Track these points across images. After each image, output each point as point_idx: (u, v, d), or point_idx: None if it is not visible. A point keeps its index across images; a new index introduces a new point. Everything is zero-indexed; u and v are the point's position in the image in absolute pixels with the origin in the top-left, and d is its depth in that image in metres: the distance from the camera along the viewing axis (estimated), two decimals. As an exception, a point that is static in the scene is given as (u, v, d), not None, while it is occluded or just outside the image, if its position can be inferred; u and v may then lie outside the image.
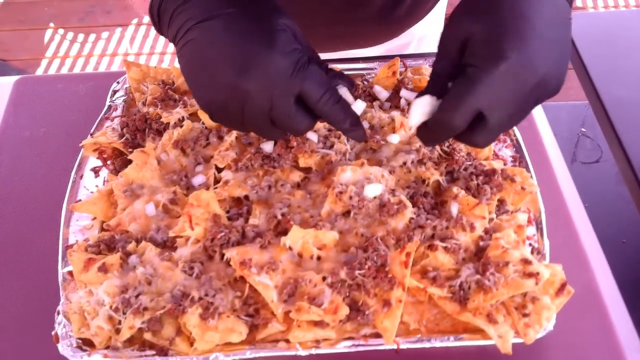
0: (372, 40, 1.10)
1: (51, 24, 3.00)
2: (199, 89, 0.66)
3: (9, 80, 1.09)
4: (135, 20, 3.04)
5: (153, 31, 3.01)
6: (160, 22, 0.68)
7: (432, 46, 1.23)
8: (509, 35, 0.61)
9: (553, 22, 0.63)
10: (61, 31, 2.98)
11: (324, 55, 1.04)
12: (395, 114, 0.90)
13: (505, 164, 0.86)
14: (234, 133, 0.88)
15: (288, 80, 0.62)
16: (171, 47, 2.93)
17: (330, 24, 0.99)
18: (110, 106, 0.96)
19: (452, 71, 0.67)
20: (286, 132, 0.68)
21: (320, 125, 0.87)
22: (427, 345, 0.70)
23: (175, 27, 0.64)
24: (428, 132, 0.69)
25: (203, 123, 0.90)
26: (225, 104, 0.64)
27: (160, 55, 2.90)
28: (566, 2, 0.66)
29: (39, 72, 2.84)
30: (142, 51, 2.92)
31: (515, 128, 0.91)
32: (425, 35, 1.18)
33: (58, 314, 0.73)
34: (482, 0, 0.65)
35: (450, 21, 0.67)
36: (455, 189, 0.81)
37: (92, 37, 2.97)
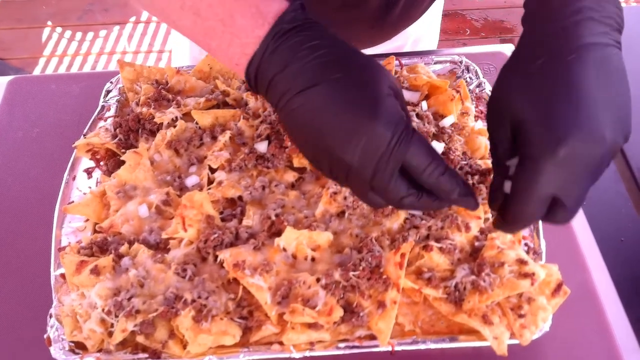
0: (366, 42, 1.09)
1: (49, 23, 3.00)
2: (306, 151, 0.65)
3: (3, 81, 1.09)
4: (133, 18, 3.03)
5: (151, 29, 3.00)
6: (257, 86, 0.65)
7: (427, 48, 1.22)
8: (562, 115, 0.57)
9: (607, 78, 0.59)
10: (59, 29, 2.97)
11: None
12: (391, 112, 0.89)
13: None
14: (228, 133, 0.87)
15: (391, 152, 0.59)
16: (169, 46, 2.92)
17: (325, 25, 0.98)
18: (103, 106, 0.96)
19: (510, 152, 0.63)
20: (389, 201, 0.64)
21: None
22: (422, 346, 0.70)
23: (277, 95, 0.62)
24: (507, 225, 0.65)
25: (196, 123, 0.90)
26: (330, 169, 0.63)
27: (157, 53, 2.90)
28: (616, 47, 0.61)
29: (37, 70, 2.83)
30: (139, 49, 2.92)
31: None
32: (420, 37, 1.17)
33: (50, 316, 0.72)
34: (530, 66, 0.61)
35: (499, 91, 0.64)
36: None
37: (90, 35, 2.97)
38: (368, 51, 1.13)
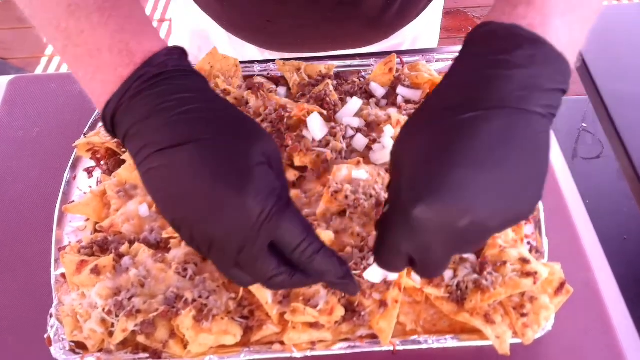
0: (362, 41, 1.09)
1: (50, 22, 2.99)
2: (165, 214, 0.57)
3: (3, 80, 1.08)
4: (134, 18, 3.03)
5: (152, 28, 3.00)
6: (115, 132, 0.58)
7: (427, 46, 1.21)
8: (433, 169, 0.51)
9: (507, 150, 0.51)
10: (60, 29, 2.96)
11: (315, 55, 1.04)
12: (392, 111, 0.89)
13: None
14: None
15: (260, 227, 0.53)
16: (170, 44, 2.91)
17: (320, 24, 0.97)
18: (104, 105, 0.95)
19: None
20: (256, 279, 0.58)
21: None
22: (424, 346, 0.70)
23: (135, 149, 0.56)
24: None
25: (197, 122, 0.89)
26: (191, 238, 0.56)
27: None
28: (542, 116, 0.53)
29: (39, 70, 2.83)
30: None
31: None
32: (418, 35, 1.16)
33: (51, 316, 0.72)
34: (432, 113, 0.55)
35: (404, 128, 0.57)
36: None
37: (91, 35, 2.96)
38: (365, 50, 1.12)
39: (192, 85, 0.57)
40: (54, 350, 0.70)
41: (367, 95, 0.94)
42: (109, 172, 0.87)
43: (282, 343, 0.70)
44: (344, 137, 0.86)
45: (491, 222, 0.51)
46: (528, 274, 0.69)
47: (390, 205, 0.56)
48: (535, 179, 0.53)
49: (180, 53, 0.59)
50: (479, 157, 0.50)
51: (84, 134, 0.90)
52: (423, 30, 1.17)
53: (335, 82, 0.95)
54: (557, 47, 0.54)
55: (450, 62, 0.99)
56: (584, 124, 1.76)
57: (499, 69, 0.53)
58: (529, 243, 0.76)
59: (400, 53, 0.99)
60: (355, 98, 0.90)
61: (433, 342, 0.70)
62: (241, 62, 0.98)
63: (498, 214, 0.51)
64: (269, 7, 0.95)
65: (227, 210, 0.53)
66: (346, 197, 0.78)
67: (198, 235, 0.55)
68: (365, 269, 0.71)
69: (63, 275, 0.75)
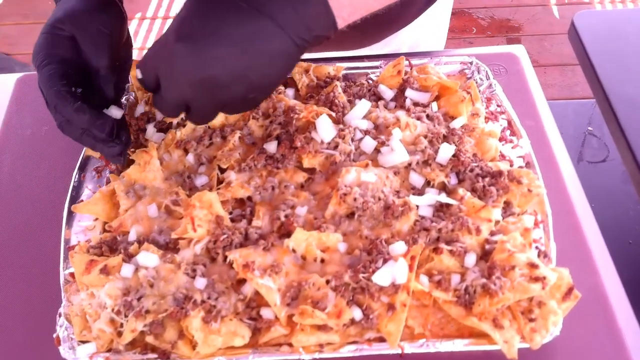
0: (347, 44, 1.09)
1: (55, 18, 2.99)
2: None
3: (11, 78, 1.09)
4: (138, 15, 3.03)
5: (156, 26, 3.00)
6: None
7: (433, 49, 1.21)
8: (205, 24, 0.67)
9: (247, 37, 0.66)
10: (65, 25, 2.96)
11: (316, 55, 1.03)
12: (401, 113, 0.89)
13: (511, 165, 0.85)
14: (238, 133, 0.87)
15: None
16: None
17: None
18: (112, 105, 0.95)
19: None
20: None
21: None
22: (431, 349, 0.70)
23: None
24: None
25: (206, 123, 0.89)
26: None
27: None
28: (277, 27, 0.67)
29: (42, 67, 2.82)
30: (145, 45, 2.91)
31: (522, 128, 0.89)
32: (416, 43, 1.16)
33: (60, 316, 0.72)
34: None
35: None
36: (460, 191, 0.80)
37: (96, 31, 2.96)
38: (373, 52, 1.12)
39: None
40: (63, 349, 0.70)
41: (375, 97, 0.94)
42: (118, 172, 0.87)
43: (290, 345, 0.70)
44: (352, 140, 0.86)
45: (225, 79, 0.68)
46: (537, 279, 0.69)
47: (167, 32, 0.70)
48: (267, 75, 0.70)
49: None
50: (234, 35, 0.66)
51: (93, 134, 0.90)
52: (423, 37, 1.16)
53: (343, 84, 0.95)
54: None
55: (458, 65, 1.00)
56: (589, 128, 1.76)
57: None
58: (537, 248, 0.76)
59: (408, 55, 0.99)
60: (363, 100, 0.90)
61: (441, 346, 0.70)
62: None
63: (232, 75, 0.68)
64: None
65: None
66: (355, 199, 0.78)
67: None
68: (373, 272, 0.71)
69: (72, 274, 0.76)
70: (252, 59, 0.68)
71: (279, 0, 0.66)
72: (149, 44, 3.04)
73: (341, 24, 0.70)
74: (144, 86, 0.75)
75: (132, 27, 2.99)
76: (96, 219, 0.83)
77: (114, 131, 0.77)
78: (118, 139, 0.78)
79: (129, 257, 0.75)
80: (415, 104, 0.92)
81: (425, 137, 0.86)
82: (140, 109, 0.93)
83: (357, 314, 0.70)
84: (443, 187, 0.83)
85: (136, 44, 2.92)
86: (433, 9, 1.12)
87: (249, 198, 0.82)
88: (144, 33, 2.96)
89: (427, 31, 1.16)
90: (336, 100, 0.90)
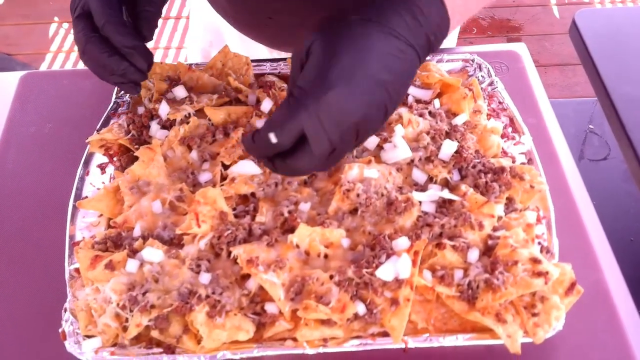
0: None
1: (56, 18, 3.00)
2: None
3: (15, 76, 1.09)
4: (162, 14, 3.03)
5: (157, 25, 3.00)
6: None
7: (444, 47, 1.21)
8: (341, 64, 0.63)
9: (385, 64, 0.65)
10: (66, 25, 2.97)
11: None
12: (403, 110, 0.89)
13: (513, 162, 0.86)
14: (241, 129, 0.87)
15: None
16: (176, 42, 2.92)
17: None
18: (116, 102, 0.96)
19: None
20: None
21: None
22: (435, 344, 0.70)
23: None
24: (254, 143, 0.70)
25: (209, 119, 0.90)
26: None
27: (164, 49, 2.90)
28: (408, 45, 0.66)
29: (44, 66, 2.83)
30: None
31: (524, 125, 0.90)
32: None
33: (65, 311, 0.73)
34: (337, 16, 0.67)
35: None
36: (463, 187, 0.80)
37: (97, 31, 2.97)
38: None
39: None
40: (69, 344, 0.70)
41: (378, 94, 0.95)
42: (122, 168, 0.87)
43: (294, 339, 0.70)
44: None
45: (371, 122, 0.66)
46: (539, 274, 0.70)
47: (298, 87, 0.65)
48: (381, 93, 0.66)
49: None
50: (375, 69, 0.64)
51: (97, 130, 0.91)
52: None
53: (346, 82, 0.96)
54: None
55: (460, 63, 1.00)
56: (591, 126, 1.76)
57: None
58: (539, 243, 0.77)
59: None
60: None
61: (444, 341, 0.70)
62: (252, 61, 0.99)
63: (375, 117, 0.66)
64: (269, 3, 0.96)
65: None
66: (358, 195, 0.79)
67: None
68: (377, 267, 0.72)
69: (77, 270, 0.76)
70: (391, 84, 0.66)
71: (400, 15, 0.65)
72: (150, 43, 3.04)
73: (451, 27, 0.69)
74: (278, 150, 0.69)
75: (133, 27, 2.99)
76: (100, 215, 0.83)
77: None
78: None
79: (133, 253, 0.75)
80: (418, 101, 0.92)
81: (428, 133, 0.86)
82: (144, 106, 0.94)
83: (360, 308, 0.71)
84: (446, 184, 0.83)
85: (137, 43, 2.92)
86: None
87: (253, 194, 0.83)
88: (145, 33, 2.96)
89: None
90: (339, 98, 0.90)
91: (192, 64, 0.98)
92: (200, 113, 0.91)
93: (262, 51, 1.16)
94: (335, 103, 0.63)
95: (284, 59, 1.01)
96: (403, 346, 0.70)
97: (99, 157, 0.89)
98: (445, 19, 0.68)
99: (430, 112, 0.89)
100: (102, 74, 0.79)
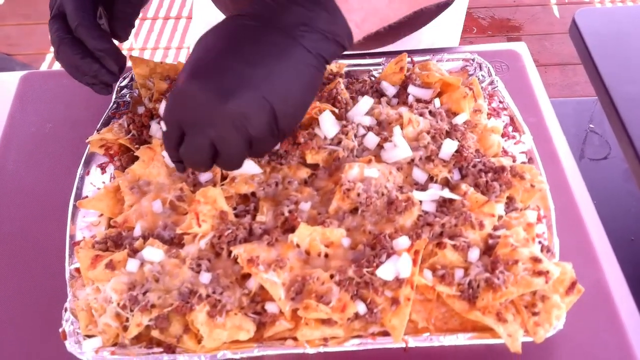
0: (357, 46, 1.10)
1: (56, 19, 3.00)
2: None
3: (15, 76, 1.09)
4: (139, 15, 3.03)
5: (157, 25, 3.00)
6: None
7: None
8: (209, 57, 0.66)
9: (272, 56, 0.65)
10: (66, 26, 2.97)
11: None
12: (403, 110, 0.89)
13: (514, 161, 0.86)
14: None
15: None
16: (176, 42, 2.92)
17: None
18: (116, 102, 0.96)
19: None
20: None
21: None
22: (435, 343, 0.70)
23: None
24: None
25: (210, 119, 0.90)
26: None
27: (164, 50, 2.90)
28: (309, 50, 0.66)
29: (44, 66, 2.84)
30: (146, 46, 2.92)
31: (524, 124, 0.90)
32: (432, 43, 1.16)
33: (65, 310, 0.73)
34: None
35: None
36: (464, 186, 0.80)
37: (97, 31, 2.96)
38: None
39: None
40: (69, 344, 0.70)
41: (378, 94, 0.95)
42: (122, 168, 0.87)
43: (294, 339, 0.70)
44: (355, 136, 0.86)
45: (253, 115, 0.64)
46: (540, 273, 0.70)
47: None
48: (295, 97, 0.67)
49: None
50: (246, 56, 0.64)
51: (97, 130, 0.91)
52: (444, 33, 1.16)
53: (346, 81, 0.96)
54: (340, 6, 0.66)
55: (460, 62, 1.00)
56: (591, 125, 1.76)
57: (286, 1, 0.66)
58: (540, 242, 0.77)
59: (410, 52, 0.99)
60: (366, 97, 0.90)
61: (445, 340, 0.70)
62: (253, 60, 0.98)
63: (258, 108, 0.64)
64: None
65: None
66: (358, 195, 0.78)
67: None
68: (377, 266, 0.72)
69: (77, 269, 0.76)
70: (271, 79, 0.65)
71: (291, 14, 0.65)
72: (150, 44, 3.06)
73: (357, 34, 0.68)
74: (170, 143, 0.72)
75: (133, 27, 2.99)
76: (101, 214, 0.83)
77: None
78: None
79: (134, 252, 0.75)
80: (418, 101, 0.92)
81: (428, 133, 0.86)
82: (144, 106, 0.94)
83: (361, 308, 0.71)
84: (446, 183, 0.83)
85: (137, 44, 2.93)
86: (449, 9, 1.12)
87: (253, 194, 0.83)
88: (145, 33, 2.97)
89: (442, 31, 1.16)
90: (339, 97, 0.90)
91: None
92: (200, 113, 0.91)
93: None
94: (201, 89, 0.65)
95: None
96: (403, 345, 0.70)
97: (99, 157, 0.90)
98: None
99: (430, 112, 0.89)
100: (75, 75, 0.80)
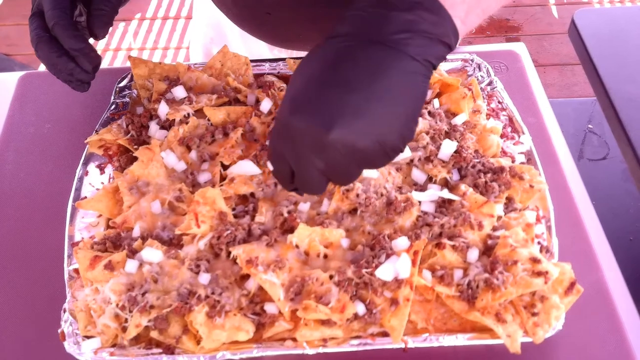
0: None
1: (55, 19, 2.99)
2: None
3: (14, 76, 1.09)
4: (138, 15, 3.03)
5: (156, 26, 3.00)
6: None
7: None
8: (310, 88, 0.62)
9: (376, 76, 0.60)
10: (65, 26, 2.97)
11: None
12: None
13: (513, 161, 0.86)
14: (240, 130, 0.87)
15: None
16: (174, 42, 2.92)
17: (316, 19, 0.97)
18: (115, 103, 0.96)
19: None
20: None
21: None
22: (435, 344, 0.70)
23: None
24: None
25: (209, 120, 0.90)
26: None
27: (163, 50, 2.90)
28: (415, 58, 0.61)
29: (43, 67, 2.82)
30: (145, 46, 2.92)
31: (523, 125, 0.90)
32: None
33: (64, 311, 0.73)
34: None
35: None
36: (463, 187, 0.80)
37: (96, 32, 2.96)
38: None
39: None
40: (68, 345, 0.70)
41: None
42: (121, 168, 0.87)
43: (294, 340, 0.70)
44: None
45: (358, 142, 0.60)
46: (539, 274, 0.70)
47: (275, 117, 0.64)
48: (401, 112, 0.61)
49: None
50: (346, 81, 0.60)
51: (96, 131, 0.91)
52: None
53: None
54: (442, 2, 0.62)
55: (460, 62, 1.00)
56: (590, 126, 1.76)
57: (382, 9, 0.61)
58: (539, 243, 0.76)
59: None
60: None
61: (444, 340, 0.70)
62: (251, 61, 0.99)
63: (363, 134, 0.60)
64: None
65: None
66: (357, 195, 0.78)
67: None
68: (376, 267, 0.72)
69: (76, 270, 0.76)
70: (374, 101, 0.60)
71: (390, 23, 0.60)
72: (149, 44, 3.06)
73: (462, 30, 0.64)
74: (283, 179, 0.69)
75: (132, 27, 3.00)
76: (100, 215, 0.83)
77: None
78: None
79: (132, 253, 0.75)
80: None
81: (427, 133, 0.86)
82: (143, 106, 0.94)
83: (360, 308, 0.71)
84: (445, 183, 0.83)
85: (136, 44, 2.93)
86: None
87: (252, 194, 0.83)
88: (144, 33, 2.97)
89: None
90: (338, 97, 0.90)
91: (191, 64, 0.98)
92: (199, 113, 0.91)
93: (262, 48, 1.16)
94: (300, 122, 0.61)
95: (283, 59, 1.00)
96: (403, 346, 0.70)
97: (98, 158, 0.89)
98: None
99: (429, 112, 0.89)
100: (53, 72, 0.81)
